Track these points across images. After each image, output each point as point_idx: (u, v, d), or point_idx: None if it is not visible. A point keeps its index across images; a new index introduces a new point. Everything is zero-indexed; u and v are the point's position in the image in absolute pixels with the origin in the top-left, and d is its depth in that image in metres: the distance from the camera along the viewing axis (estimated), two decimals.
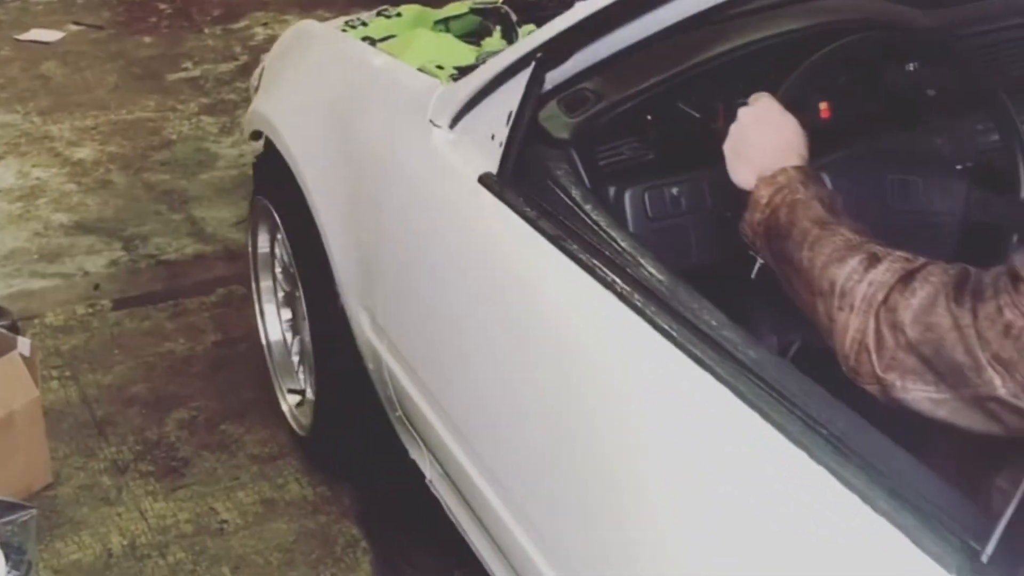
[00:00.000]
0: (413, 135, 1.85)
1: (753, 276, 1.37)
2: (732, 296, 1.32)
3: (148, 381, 2.78)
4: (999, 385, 1.04)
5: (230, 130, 4.13)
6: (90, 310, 3.08)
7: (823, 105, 1.61)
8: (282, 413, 2.59)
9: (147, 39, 5.04)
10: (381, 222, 1.93)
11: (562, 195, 1.49)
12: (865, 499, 1.02)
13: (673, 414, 1.26)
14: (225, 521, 2.36)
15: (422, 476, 2.10)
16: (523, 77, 1.58)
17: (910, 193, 1.50)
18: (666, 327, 1.26)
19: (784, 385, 1.13)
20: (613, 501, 1.35)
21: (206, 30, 5.16)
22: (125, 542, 2.30)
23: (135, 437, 2.59)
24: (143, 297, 3.14)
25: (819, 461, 1.06)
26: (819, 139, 1.42)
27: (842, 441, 1.06)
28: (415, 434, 2.06)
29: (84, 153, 4.00)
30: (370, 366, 2.15)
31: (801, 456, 1.08)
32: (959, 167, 1.57)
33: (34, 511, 2.13)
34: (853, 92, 1.65)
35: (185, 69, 4.73)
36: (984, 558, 0.91)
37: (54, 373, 2.79)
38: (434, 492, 2.06)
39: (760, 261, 1.36)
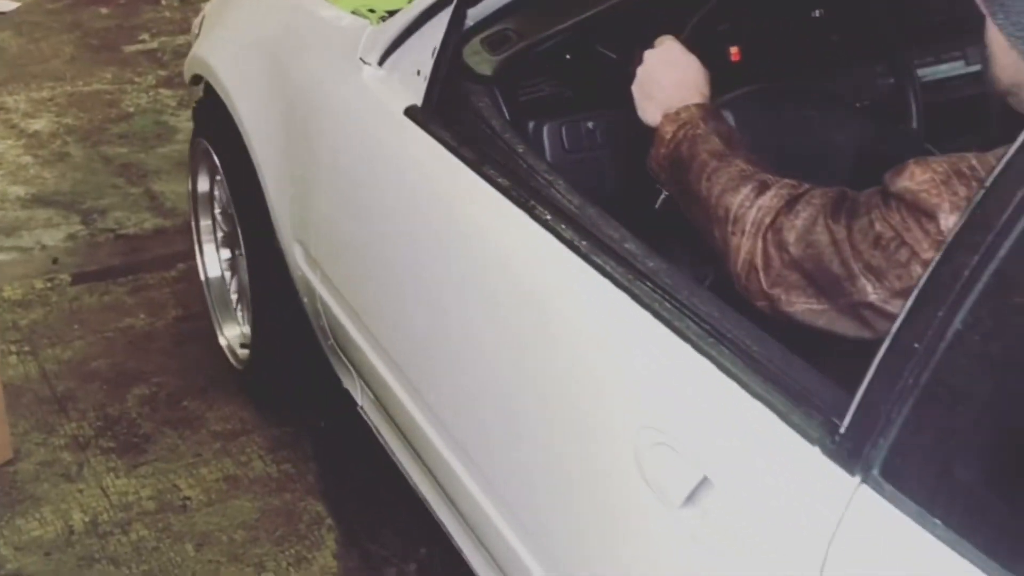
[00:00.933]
0: (344, 73, 2.05)
1: (657, 207, 1.57)
2: (643, 224, 1.51)
3: (108, 356, 2.88)
4: (870, 292, 1.24)
5: (188, 103, 4.13)
6: (49, 284, 3.18)
7: (733, 49, 1.81)
8: (244, 390, 2.75)
9: (103, 10, 5.15)
10: (314, 157, 2.13)
11: (483, 126, 1.70)
12: (742, 384, 1.21)
13: (577, 316, 1.47)
14: (188, 498, 2.46)
15: (355, 404, 2.28)
16: (446, 14, 1.79)
17: (809, 128, 1.69)
18: (573, 241, 1.47)
19: (675, 288, 1.34)
20: (525, 401, 1.56)
21: (163, 1, 5.27)
22: (87, 519, 2.39)
23: (96, 413, 2.70)
24: (102, 272, 3.25)
25: (703, 352, 1.26)
26: (726, 80, 1.63)
27: (723, 335, 1.25)
28: (347, 362, 2.26)
29: (40, 125, 4.11)
30: (304, 300, 2.35)
31: (686, 348, 1.28)
32: (857, 105, 1.78)
33: None
34: (761, 37, 1.84)
35: (142, 41, 4.84)
36: (841, 430, 1.10)
37: (13, 348, 2.90)
38: (365, 419, 2.25)
39: (665, 193, 1.57)
